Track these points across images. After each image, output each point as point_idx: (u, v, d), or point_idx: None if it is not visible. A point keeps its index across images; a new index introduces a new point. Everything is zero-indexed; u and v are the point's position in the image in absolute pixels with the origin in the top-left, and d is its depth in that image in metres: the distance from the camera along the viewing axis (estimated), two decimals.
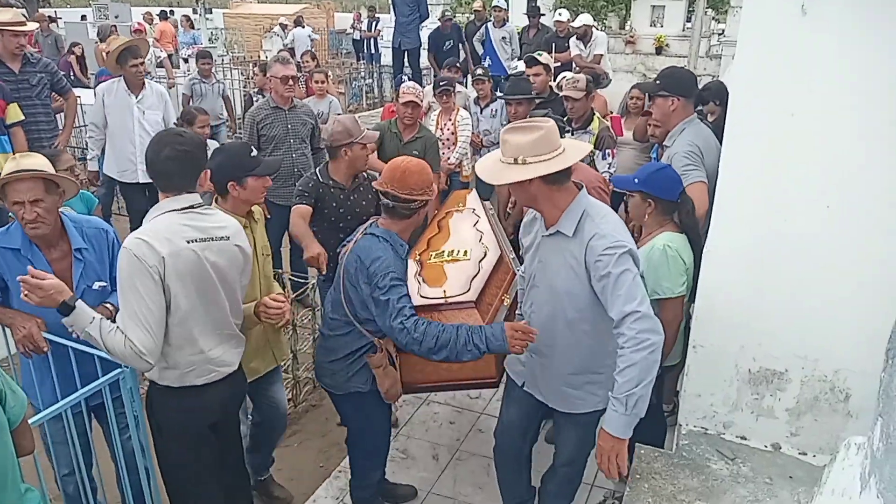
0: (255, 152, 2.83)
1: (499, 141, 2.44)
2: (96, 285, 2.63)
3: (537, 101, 4.85)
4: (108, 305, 2.64)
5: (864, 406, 2.51)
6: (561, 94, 4.71)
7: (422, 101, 4.80)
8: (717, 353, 2.71)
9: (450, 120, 5.47)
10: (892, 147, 2.30)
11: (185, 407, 2.43)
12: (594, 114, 4.67)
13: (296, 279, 4.42)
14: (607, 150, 4.46)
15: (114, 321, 2.26)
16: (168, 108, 5.34)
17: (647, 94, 3.50)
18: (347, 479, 3.49)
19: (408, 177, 2.57)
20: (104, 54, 6.36)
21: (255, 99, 7.16)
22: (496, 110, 5.63)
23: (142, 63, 5.12)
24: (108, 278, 2.65)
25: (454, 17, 9.92)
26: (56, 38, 11.01)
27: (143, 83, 5.20)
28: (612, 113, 5.60)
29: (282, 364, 3.37)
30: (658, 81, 3.44)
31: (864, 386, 2.47)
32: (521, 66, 6.03)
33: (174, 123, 5.27)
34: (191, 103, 7.45)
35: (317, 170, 3.66)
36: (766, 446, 2.72)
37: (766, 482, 2.54)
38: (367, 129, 3.60)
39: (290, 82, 4.79)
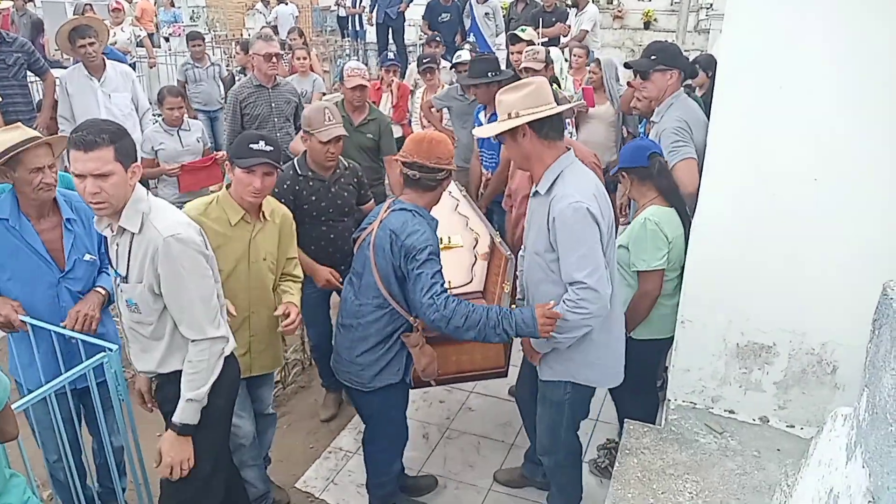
0: (260, 143, 2.65)
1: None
2: (87, 257, 2.63)
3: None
4: (99, 290, 2.65)
5: (851, 378, 2.53)
6: (521, 66, 4.64)
7: (369, 81, 4.48)
8: (705, 328, 2.72)
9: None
10: (879, 120, 2.29)
11: (228, 376, 2.39)
12: (559, 83, 4.80)
13: None
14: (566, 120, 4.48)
15: (110, 303, 2.48)
16: (136, 88, 5.12)
17: (636, 73, 3.41)
18: (337, 459, 3.50)
19: (434, 146, 2.58)
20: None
21: (237, 78, 7.01)
22: None
23: (91, 43, 4.76)
24: (97, 253, 2.67)
25: None
26: (31, 17, 10.75)
27: (104, 64, 4.92)
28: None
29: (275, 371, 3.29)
30: (653, 56, 3.32)
31: (851, 358, 2.48)
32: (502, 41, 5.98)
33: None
34: (187, 90, 7.25)
35: (295, 160, 3.38)
36: (754, 420, 2.74)
37: (754, 455, 2.56)
38: (339, 121, 3.29)
39: (274, 60, 4.68)
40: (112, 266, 2.31)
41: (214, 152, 4.80)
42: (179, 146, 4.58)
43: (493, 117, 3.62)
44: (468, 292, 2.80)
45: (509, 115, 2.38)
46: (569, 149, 2.48)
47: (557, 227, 2.32)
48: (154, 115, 5.24)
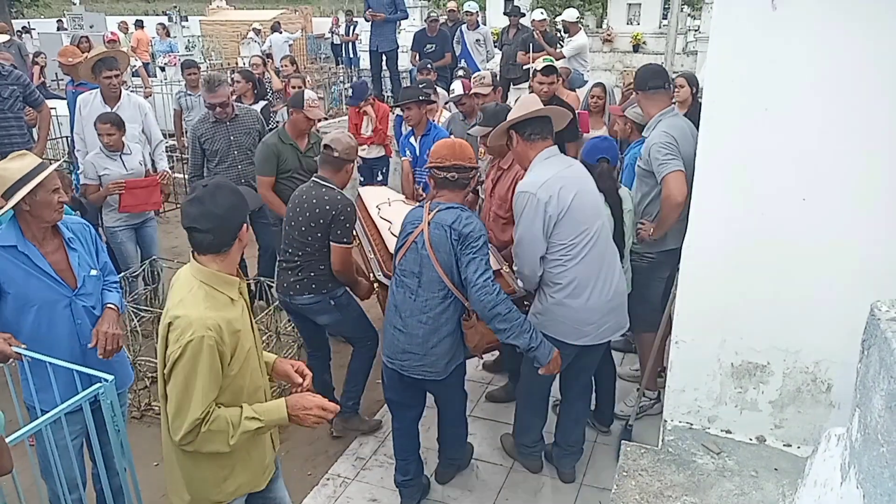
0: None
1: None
2: (92, 272, 2.73)
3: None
4: (112, 307, 2.77)
5: (846, 396, 2.53)
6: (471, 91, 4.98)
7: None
8: (700, 348, 2.72)
9: (434, 121, 5.48)
10: (866, 139, 2.32)
11: None
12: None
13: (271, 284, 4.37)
14: None
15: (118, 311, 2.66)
16: (148, 120, 5.24)
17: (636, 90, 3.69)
18: (335, 486, 3.47)
19: (465, 148, 2.93)
20: (68, 62, 6.24)
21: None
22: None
23: (116, 76, 5.03)
24: (98, 266, 2.77)
25: (440, 20, 9.84)
26: (20, 47, 10.84)
27: (120, 94, 5.12)
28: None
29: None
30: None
31: (845, 376, 2.49)
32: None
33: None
34: (183, 118, 7.31)
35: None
36: (750, 439, 2.74)
37: (752, 475, 2.56)
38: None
39: (219, 109, 4.73)
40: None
41: (155, 174, 4.90)
42: (123, 170, 4.64)
43: (422, 139, 4.82)
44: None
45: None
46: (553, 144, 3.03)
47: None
48: (166, 147, 5.32)
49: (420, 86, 5.50)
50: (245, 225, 2.17)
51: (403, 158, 5.16)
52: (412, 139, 4.95)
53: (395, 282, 2.98)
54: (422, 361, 2.92)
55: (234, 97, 6.38)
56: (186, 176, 5.12)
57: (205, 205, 2.08)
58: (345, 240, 3.45)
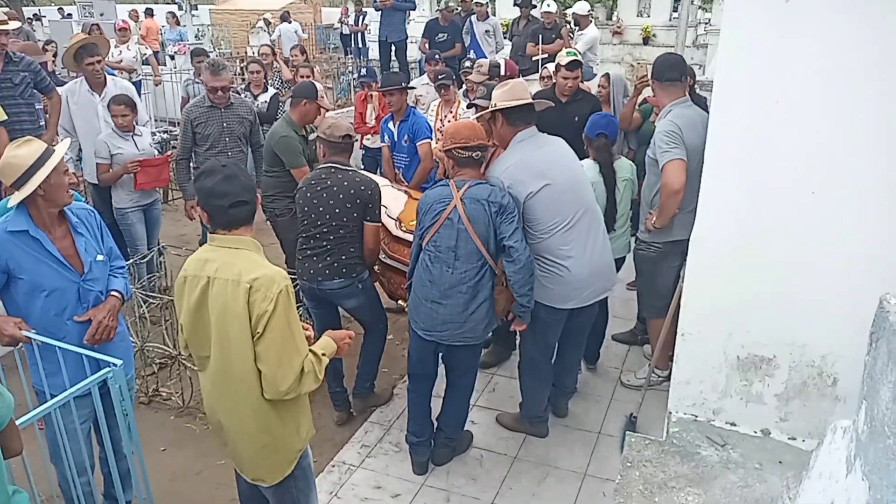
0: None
1: None
2: (98, 258, 2.75)
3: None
4: (116, 295, 2.78)
5: (851, 390, 2.53)
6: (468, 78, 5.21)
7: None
8: (706, 341, 2.72)
9: (450, 112, 5.50)
10: (875, 132, 2.31)
11: None
12: None
13: None
14: None
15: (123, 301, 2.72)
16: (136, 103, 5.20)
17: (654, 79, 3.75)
18: (340, 473, 3.50)
19: (481, 128, 3.22)
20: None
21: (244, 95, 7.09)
22: None
23: (99, 61, 5.03)
24: (104, 252, 2.80)
25: (455, 10, 9.78)
26: (28, 35, 10.86)
27: (105, 80, 5.11)
28: None
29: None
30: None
31: (851, 370, 2.48)
32: (500, 59, 6.08)
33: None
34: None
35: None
36: (755, 432, 2.74)
37: (756, 468, 2.56)
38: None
39: (220, 93, 4.70)
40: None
41: (167, 153, 5.25)
42: (136, 150, 4.74)
43: (401, 125, 5.02)
44: None
45: (494, 105, 3.23)
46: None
47: None
48: (158, 130, 5.34)
49: (440, 76, 5.50)
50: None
51: (383, 144, 5.32)
52: (391, 124, 5.08)
53: (427, 258, 3.15)
54: (462, 329, 3.15)
55: (246, 84, 6.41)
56: (174, 158, 5.08)
57: (241, 179, 2.25)
58: (378, 218, 3.63)
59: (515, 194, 3.12)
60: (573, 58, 4.68)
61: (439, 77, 5.50)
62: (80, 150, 5.20)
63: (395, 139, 5.07)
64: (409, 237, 3.65)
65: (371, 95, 6.25)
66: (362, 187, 3.53)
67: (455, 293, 3.10)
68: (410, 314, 3.30)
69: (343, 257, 3.57)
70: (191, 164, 4.97)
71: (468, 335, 3.17)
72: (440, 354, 3.38)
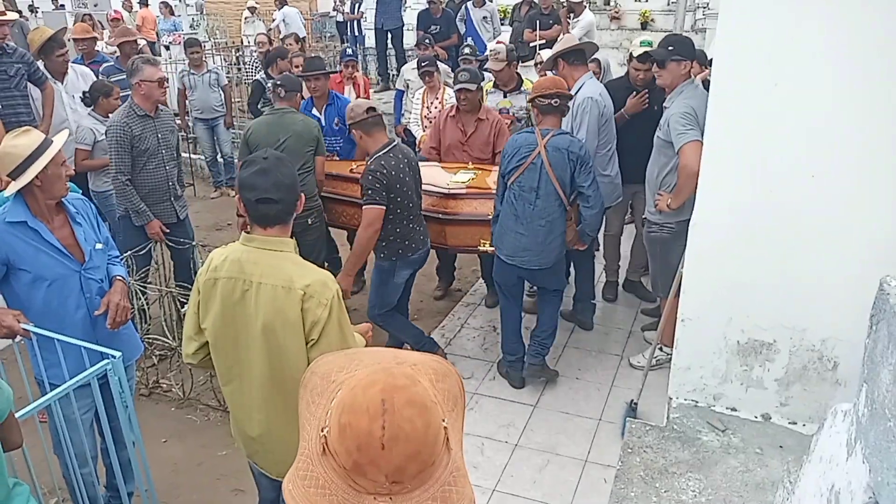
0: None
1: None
2: (98, 246, 2.75)
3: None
4: (120, 278, 2.80)
5: (852, 374, 2.53)
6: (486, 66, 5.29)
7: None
8: (706, 326, 2.72)
9: (436, 98, 5.46)
10: (875, 115, 2.30)
11: None
12: (522, 78, 5.26)
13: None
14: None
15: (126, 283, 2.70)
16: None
17: (654, 62, 3.79)
18: None
19: (561, 82, 3.73)
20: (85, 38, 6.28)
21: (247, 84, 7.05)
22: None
23: (67, 52, 5.25)
24: (102, 240, 2.81)
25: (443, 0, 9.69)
26: (22, 26, 10.78)
27: (67, 69, 5.28)
28: None
29: None
30: (671, 47, 3.62)
31: (851, 354, 2.48)
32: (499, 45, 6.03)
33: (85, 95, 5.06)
34: (186, 97, 7.27)
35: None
36: (756, 417, 2.74)
37: (757, 452, 2.57)
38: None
39: (166, 85, 4.30)
40: None
41: None
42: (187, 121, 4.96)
43: (327, 109, 5.06)
44: None
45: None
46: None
47: None
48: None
49: (423, 63, 5.46)
50: (303, 196, 2.21)
51: None
52: (315, 111, 5.06)
53: (512, 195, 3.63)
54: (538, 256, 3.66)
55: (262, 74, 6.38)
56: (112, 178, 4.31)
57: (273, 175, 2.07)
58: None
59: (605, 112, 4.02)
60: (645, 49, 4.53)
61: (422, 64, 5.47)
62: None
63: (325, 124, 4.96)
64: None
65: (357, 75, 6.28)
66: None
67: (535, 226, 3.60)
68: (496, 242, 3.81)
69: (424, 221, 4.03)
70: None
71: (543, 260, 3.68)
72: (522, 279, 3.90)
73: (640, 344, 4.43)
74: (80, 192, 3.22)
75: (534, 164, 3.54)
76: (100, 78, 5.39)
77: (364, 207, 3.63)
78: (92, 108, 4.81)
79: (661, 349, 3.86)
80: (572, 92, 3.93)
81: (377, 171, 3.57)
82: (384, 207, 3.60)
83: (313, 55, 5.89)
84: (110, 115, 4.53)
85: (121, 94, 4.94)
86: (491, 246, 3.97)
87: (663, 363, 3.91)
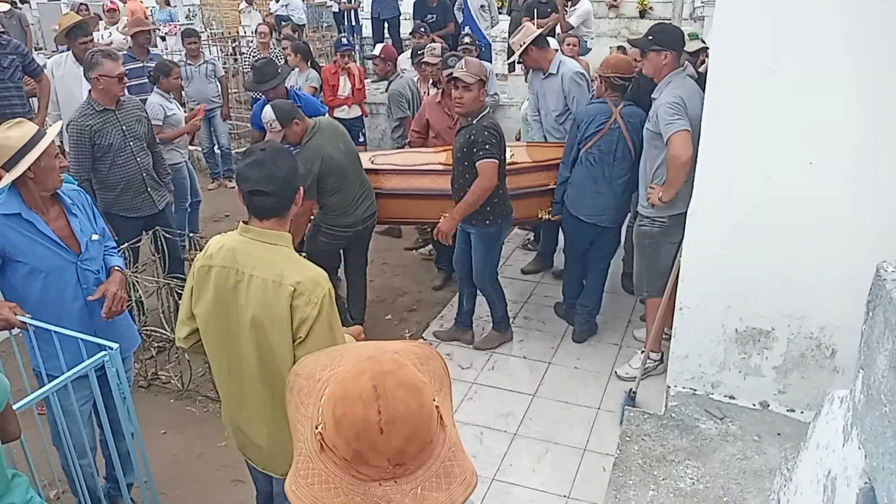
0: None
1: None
2: (93, 237, 2.74)
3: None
4: (118, 268, 2.79)
5: (850, 361, 2.53)
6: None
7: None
8: (704, 314, 2.72)
9: (430, 87, 5.45)
10: (872, 102, 2.29)
11: None
12: None
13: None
14: None
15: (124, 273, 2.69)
16: None
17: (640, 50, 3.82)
18: None
19: (623, 64, 4.00)
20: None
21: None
22: None
23: (91, 40, 5.31)
24: (98, 231, 2.79)
25: None
26: (20, 17, 10.71)
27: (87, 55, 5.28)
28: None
29: None
30: (650, 37, 3.56)
31: (849, 341, 2.48)
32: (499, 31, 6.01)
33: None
34: (184, 88, 7.24)
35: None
36: (754, 404, 2.75)
37: (755, 440, 2.57)
38: None
39: (126, 80, 4.12)
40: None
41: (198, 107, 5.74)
42: (179, 111, 5.24)
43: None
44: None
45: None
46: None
47: None
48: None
49: (419, 52, 5.46)
50: (301, 188, 2.16)
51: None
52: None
53: (591, 159, 3.94)
54: (617, 213, 4.04)
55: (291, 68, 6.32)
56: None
57: (267, 167, 2.04)
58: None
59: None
60: (696, 44, 4.50)
61: (417, 53, 5.47)
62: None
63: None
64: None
65: (352, 65, 6.30)
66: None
67: (614, 185, 3.94)
68: (571, 205, 4.07)
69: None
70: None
71: (619, 219, 4.11)
72: (591, 242, 4.18)
73: (635, 341, 4.43)
74: (75, 183, 3.21)
75: (612, 130, 3.89)
76: None
77: (482, 162, 3.72)
78: (155, 86, 5.22)
79: (649, 357, 3.76)
80: (552, 70, 4.53)
81: (491, 126, 3.74)
82: (498, 162, 3.77)
83: (265, 58, 5.57)
84: (171, 92, 5.16)
85: (129, 84, 4.94)
86: (549, 215, 4.34)
87: (651, 372, 3.86)
